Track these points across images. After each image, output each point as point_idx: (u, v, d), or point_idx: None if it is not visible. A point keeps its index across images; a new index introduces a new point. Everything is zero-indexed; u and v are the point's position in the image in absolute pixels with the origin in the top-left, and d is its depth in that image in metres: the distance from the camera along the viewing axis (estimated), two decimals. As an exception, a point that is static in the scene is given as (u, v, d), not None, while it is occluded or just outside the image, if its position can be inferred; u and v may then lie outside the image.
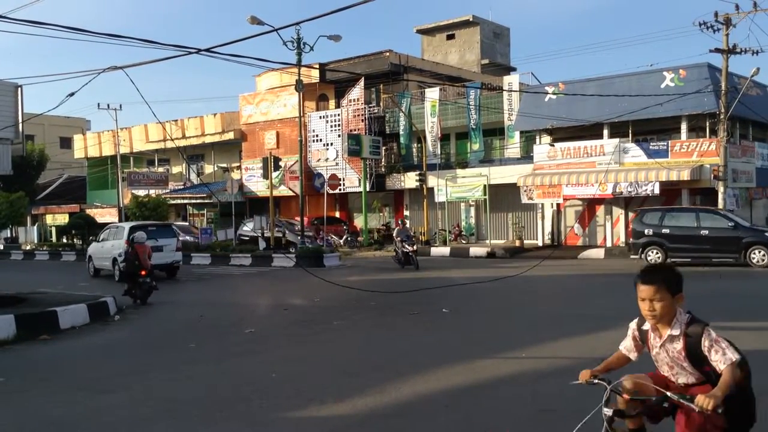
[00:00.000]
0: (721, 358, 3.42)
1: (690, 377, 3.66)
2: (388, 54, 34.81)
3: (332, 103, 36.88)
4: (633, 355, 3.86)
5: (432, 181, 31.85)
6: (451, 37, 47.46)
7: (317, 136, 35.52)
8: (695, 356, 3.54)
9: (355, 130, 33.47)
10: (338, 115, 34.82)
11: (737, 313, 11.16)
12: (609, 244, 27.57)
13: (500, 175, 30.29)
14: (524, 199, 28.58)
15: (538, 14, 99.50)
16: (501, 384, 6.90)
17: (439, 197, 31.31)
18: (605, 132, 27.52)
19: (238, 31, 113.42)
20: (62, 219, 44.18)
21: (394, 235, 23.45)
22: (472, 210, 32.74)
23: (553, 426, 5.51)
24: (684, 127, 26.12)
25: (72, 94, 14.96)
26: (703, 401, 3.22)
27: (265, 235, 27.88)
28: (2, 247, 40.23)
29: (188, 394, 6.88)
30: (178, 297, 16.08)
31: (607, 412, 3.53)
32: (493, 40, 47.93)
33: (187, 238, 30.60)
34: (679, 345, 3.58)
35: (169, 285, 18.58)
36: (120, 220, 38.17)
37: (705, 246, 19.75)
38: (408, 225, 25.42)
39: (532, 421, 5.65)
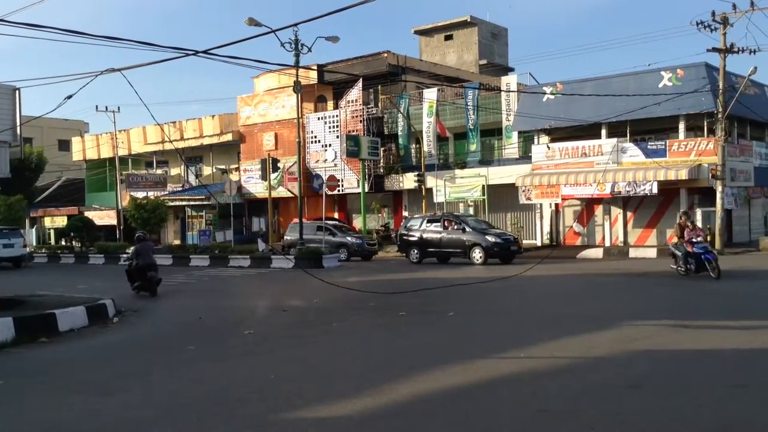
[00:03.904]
0: None
1: None
2: (386, 55, 34.84)
3: (330, 104, 36.90)
4: None
5: (431, 181, 31.87)
6: (449, 37, 47.53)
7: (316, 137, 35.53)
8: None
9: (353, 131, 33.48)
10: (336, 116, 34.84)
11: (736, 313, 11.18)
12: (607, 243, 27.60)
13: (499, 175, 30.33)
14: (523, 200, 28.63)
15: (536, 15, 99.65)
16: (499, 384, 6.91)
17: (438, 198, 31.35)
18: (603, 132, 27.56)
19: (236, 33, 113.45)
20: (61, 221, 44.16)
21: (680, 234, 16.06)
22: (471, 210, 32.75)
23: (552, 426, 5.52)
24: (682, 126, 26.17)
25: (70, 97, 14.92)
26: None
27: (264, 236, 27.85)
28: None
29: (187, 396, 6.88)
30: (176, 299, 16.06)
31: None
32: (491, 41, 48.00)
33: (348, 239, 27.63)
34: None
35: (167, 287, 18.52)
36: (119, 222, 38.20)
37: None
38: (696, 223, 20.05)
39: (531, 421, 5.66)
